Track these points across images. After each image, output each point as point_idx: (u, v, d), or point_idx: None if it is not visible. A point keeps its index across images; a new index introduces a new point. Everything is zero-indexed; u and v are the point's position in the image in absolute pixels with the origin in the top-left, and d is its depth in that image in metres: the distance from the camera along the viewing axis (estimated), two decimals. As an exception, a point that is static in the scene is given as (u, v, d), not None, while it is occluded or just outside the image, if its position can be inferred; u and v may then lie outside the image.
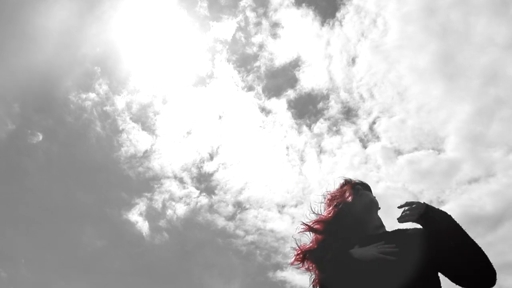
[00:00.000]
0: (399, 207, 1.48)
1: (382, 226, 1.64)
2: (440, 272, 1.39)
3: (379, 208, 1.70)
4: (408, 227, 1.56)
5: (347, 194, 1.68)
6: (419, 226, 1.48)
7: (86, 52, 15.01)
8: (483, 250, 1.31)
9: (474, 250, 1.31)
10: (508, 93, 12.74)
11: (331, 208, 1.67)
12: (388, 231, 1.60)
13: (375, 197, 1.73)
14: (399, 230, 1.57)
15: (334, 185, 1.78)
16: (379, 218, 1.67)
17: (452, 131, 13.58)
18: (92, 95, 14.66)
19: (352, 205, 1.63)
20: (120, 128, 14.93)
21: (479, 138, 13.00)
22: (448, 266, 1.35)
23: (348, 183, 1.75)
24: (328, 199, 1.73)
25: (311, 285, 1.55)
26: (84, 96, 14.55)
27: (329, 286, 1.43)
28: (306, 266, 1.58)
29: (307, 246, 1.60)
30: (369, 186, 1.76)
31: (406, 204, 1.47)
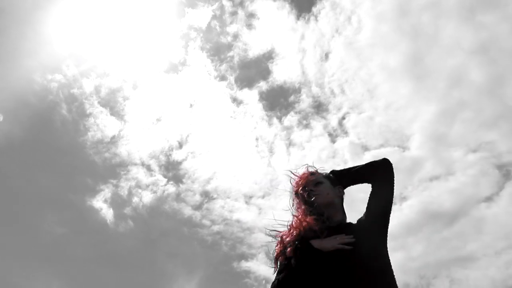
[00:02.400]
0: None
1: (345, 217, 1.70)
2: (379, 215, 1.58)
3: (342, 200, 1.75)
4: (359, 218, 1.64)
5: (311, 186, 1.72)
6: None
7: (55, 32, 14.32)
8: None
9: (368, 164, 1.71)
10: (470, 96, 13.38)
11: (298, 200, 1.73)
12: (350, 223, 1.66)
13: (340, 188, 1.78)
14: (360, 220, 1.63)
15: (301, 172, 1.81)
16: (341, 210, 1.72)
17: (417, 130, 14.12)
18: (58, 77, 14.02)
19: (316, 198, 1.67)
20: (87, 112, 14.40)
21: (442, 138, 13.61)
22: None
23: (312, 174, 1.78)
24: (294, 190, 1.77)
25: (275, 274, 1.57)
26: (50, 77, 13.90)
27: (290, 276, 1.47)
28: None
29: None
30: (333, 178, 1.78)
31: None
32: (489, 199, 11.96)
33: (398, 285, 1.45)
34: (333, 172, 1.80)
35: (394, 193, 1.61)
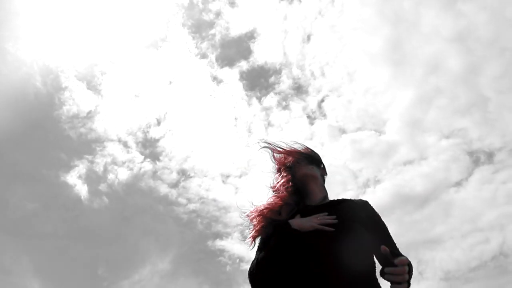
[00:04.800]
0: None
1: (326, 197, 1.67)
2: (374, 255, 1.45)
3: (324, 180, 1.73)
4: (353, 198, 1.61)
5: (296, 160, 1.69)
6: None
7: (30, 1, 13.53)
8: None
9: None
10: (446, 83, 13.64)
11: (279, 175, 1.70)
12: (332, 201, 1.62)
13: (323, 166, 1.76)
14: (343, 201, 1.60)
15: (283, 148, 1.77)
16: (323, 189, 1.70)
17: (394, 115, 14.38)
18: (33, 47, 13.35)
19: (294, 177, 1.65)
20: (63, 85, 13.84)
21: (417, 123, 13.91)
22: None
23: (297, 151, 1.75)
24: (278, 164, 1.74)
25: (254, 252, 1.55)
26: (24, 47, 13.20)
27: (268, 256, 1.44)
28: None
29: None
30: (312, 157, 1.75)
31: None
32: (458, 184, 12.43)
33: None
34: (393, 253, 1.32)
35: None
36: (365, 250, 1.43)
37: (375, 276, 1.41)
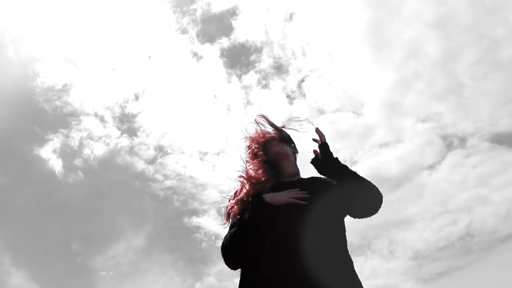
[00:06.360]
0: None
1: (298, 174, 1.73)
2: (345, 213, 1.53)
3: (295, 158, 1.78)
4: (321, 176, 1.67)
5: (269, 139, 1.73)
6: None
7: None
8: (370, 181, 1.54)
9: (369, 183, 1.53)
10: (425, 68, 13.83)
11: (253, 153, 1.73)
12: (302, 178, 1.69)
13: (294, 145, 1.81)
14: (312, 178, 1.67)
15: (259, 127, 1.81)
16: (295, 166, 1.75)
17: (373, 97, 14.58)
18: (4, 15, 12.63)
19: (274, 148, 1.70)
20: (38, 56, 13.25)
21: (395, 106, 14.14)
22: (351, 201, 1.51)
23: (271, 130, 1.79)
24: (251, 142, 1.77)
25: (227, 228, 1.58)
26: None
27: (241, 229, 1.47)
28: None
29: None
30: (283, 136, 1.79)
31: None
32: (431, 167, 12.79)
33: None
34: (325, 144, 1.65)
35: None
36: (335, 222, 1.50)
37: (347, 247, 1.47)
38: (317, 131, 1.69)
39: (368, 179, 1.54)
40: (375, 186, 1.53)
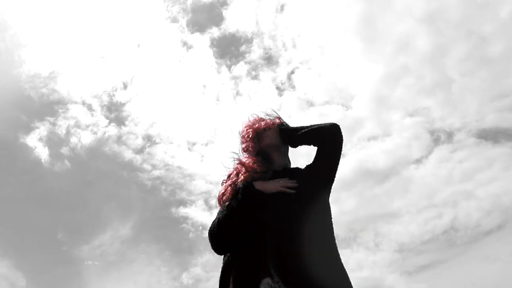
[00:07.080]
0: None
1: (288, 164, 1.76)
2: (321, 171, 1.59)
3: (287, 148, 1.80)
4: (300, 167, 1.69)
5: (261, 129, 1.74)
6: None
7: None
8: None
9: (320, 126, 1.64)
10: (414, 63, 13.97)
11: (245, 143, 1.75)
12: (297, 168, 1.71)
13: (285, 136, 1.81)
14: (297, 168, 1.69)
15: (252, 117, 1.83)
16: (286, 156, 1.78)
17: (362, 90, 14.66)
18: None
19: (264, 139, 1.71)
20: (24, 42, 12.92)
21: (384, 100, 14.26)
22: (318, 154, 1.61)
23: (262, 120, 1.80)
24: (244, 132, 1.78)
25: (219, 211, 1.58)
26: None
27: (230, 215, 1.48)
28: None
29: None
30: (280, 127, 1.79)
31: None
32: (418, 161, 13.00)
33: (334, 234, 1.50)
34: (281, 129, 1.74)
35: (341, 156, 1.62)
36: (322, 210, 1.53)
37: (333, 234, 1.50)
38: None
39: (323, 124, 1.65)
40: (323, 124, 1.64)
